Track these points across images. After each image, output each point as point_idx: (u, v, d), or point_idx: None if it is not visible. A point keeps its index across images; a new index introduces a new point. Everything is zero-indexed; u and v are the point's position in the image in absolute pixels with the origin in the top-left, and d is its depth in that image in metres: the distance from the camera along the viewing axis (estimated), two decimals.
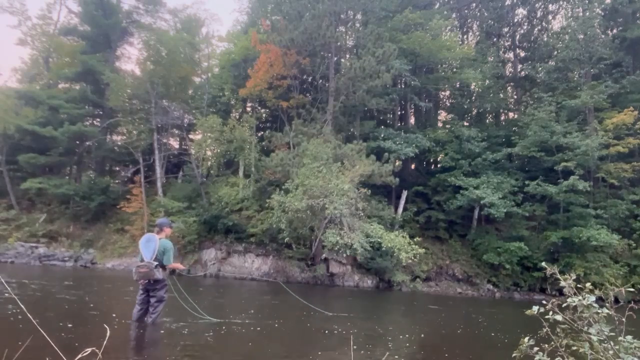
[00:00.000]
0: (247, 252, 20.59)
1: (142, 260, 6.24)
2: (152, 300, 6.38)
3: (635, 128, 20.66)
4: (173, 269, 6.70)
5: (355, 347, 6.07)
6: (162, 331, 6.25)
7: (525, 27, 30.78)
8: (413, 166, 27.20)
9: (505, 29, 30.98)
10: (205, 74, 28.77)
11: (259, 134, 25.63)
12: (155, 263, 6.22)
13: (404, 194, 22.82)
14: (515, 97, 30.21)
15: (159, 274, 6.22)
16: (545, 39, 28.76)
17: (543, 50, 27.75)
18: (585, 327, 2.48)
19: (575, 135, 20.44)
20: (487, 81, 26.83)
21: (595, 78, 23.39)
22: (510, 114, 30.46)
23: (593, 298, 2.46)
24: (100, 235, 23.20)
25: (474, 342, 7.42)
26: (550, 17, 30.27)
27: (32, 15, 40.75)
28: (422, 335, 8.04)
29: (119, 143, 29.09)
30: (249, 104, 29.05)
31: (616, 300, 2.48)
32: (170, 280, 6.82)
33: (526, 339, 2.67)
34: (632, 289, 2.51)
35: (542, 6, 29.92)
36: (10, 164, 25.55)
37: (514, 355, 2.75)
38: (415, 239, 16.60)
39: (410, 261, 16.78)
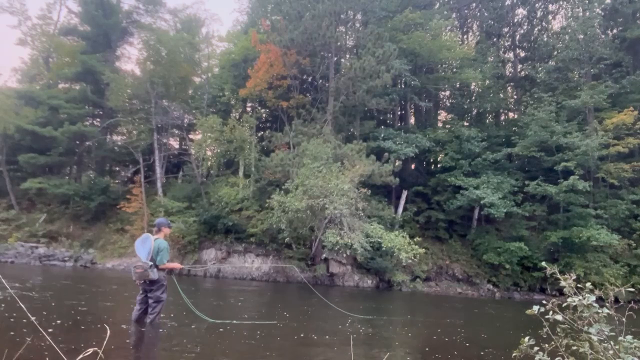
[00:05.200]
0: (247, 252, 20.60)
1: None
2: (150, 301, 6.39)
3: (635, 128, 20.65)
4: (170, 269, 6.68)
5: (355, 347, 6.07)
6: (161, 331, 6.26)
7: (525, 27, 30.76)
8: (413, 166, 27.19)
9: (505, 29, 30.97)
10: (205, 74, 28.77)
11: (259, 134, 25.63)
12: (150, 263, 6.23)
13: (404, 194, 22.82)
14: (515, 97, 30.18)
15: (154, 275, 6.23)
16: (545, 39, 28.75)
17: (543, 50, 27.74)
18: (585, 327, 2.48)
19: (575, 135, 20.43)
20: (487, 81, 26.83)
21: (595, 78, 23.38)
22: (510, 114, 30.46)
23: (593, 298, 2.46)
24: (100, 235, 23.20)
25: (473, 342, 7.42)
26: (550, 17, 30.27)
27: (32, 15, 40.94)
28: (422, 335, 8.04)
29: (119, 143, 29.11)
30: (249, 104, 29.06)
31: (616, 300, 2.48)
32: (169, 281, 6.81)
33: (526, 339, 2.67)
34: (632, 289, 2.52)
35: (542, 6, 29.91)
36: (10, 164, 25.58)
37: (514, 355, 2.75)
38: (415, 239, 16.60)
39: (410, 261, 16.78)
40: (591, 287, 2.56)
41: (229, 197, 21.26)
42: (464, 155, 22.87)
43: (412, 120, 29.56)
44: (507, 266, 20.07)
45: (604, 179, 21.23)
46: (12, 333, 5.30)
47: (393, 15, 24.67)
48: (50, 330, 5.48)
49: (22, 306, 2.80)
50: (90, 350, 2.15)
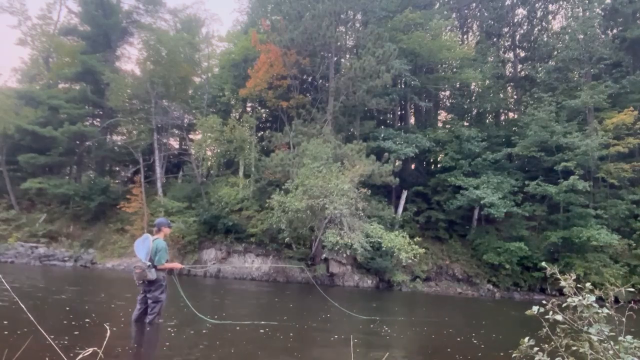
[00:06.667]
0: (247, 252, 20.60)
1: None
2: (149, 301, 6.41)
3: (635, 128, 20.64)
4: (170, 269, 6.69)
5: (355, 347, 6.07)
6: (161, 331, 6.26)
7: (525, 27, 30.75)
8: (413, 166, 27.19)
9: (505, 29, 30.96)
10: (205, 74, 28.77)
11: (259, 134, 25.62)
12: (149, 264, 6.24)
13: (404, 194, 22.82)
14: (515, 97, 30.18)
15: (152, 275, 6.24)
16: (545, 39, 28.74)
17: (543, 50, 27.73)
18: (585, 327, 2.48)
19: (575, 135, 20.43)
20: (487, 81, 26.81)
21: (595, 78, 23.36)
22: (510, 114, 30.45)
23: (593, 298, 2.46)
24: (100, 235, 23.20)
25: (473, 342, 7.42)
26: (550, 17, 30.26)
27: (32, 15, 40.88)
28: (422, 336, 8.04)
29: (119, 143, 29.10)
30: (249, 104, 29.05)
31: (616, 300, 2.48)
32: (170, 281, 6.81)
33: (526, 339, 2.67)
34: (632, 289, 2.51)
35: (542, 6, 29.91)
36: (10, 164, 25.57)
37: (514, 355, 2.75)
38: (415, 239, 16.60)
39: (410, 261, 16.78)
40: (591, 287, 2.56)
41: (229, 197, 21.27)
42: (464, 155, 22.86)
43: (412, 120, 29.55)
44: (507, 266, 20.06)
45: (604, 179, 21.21)
46: (12, 333, 5.30)
47: (393, 15, 24.66)
48: (50, 330, 5.48)
49: (22, 306, 2.80)
50: (90, 350, 2.15)
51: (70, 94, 27.18)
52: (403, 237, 16.43)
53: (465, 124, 27.10)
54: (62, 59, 29.43)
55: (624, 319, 2.43)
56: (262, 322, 7.57)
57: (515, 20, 30.70)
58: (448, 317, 11.69)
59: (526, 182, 21.02)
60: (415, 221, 22.69)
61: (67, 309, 7.73)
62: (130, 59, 38.29)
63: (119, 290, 12.22)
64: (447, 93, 29.97)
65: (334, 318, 9.06)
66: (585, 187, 19.27)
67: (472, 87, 28.56)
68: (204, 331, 6.46)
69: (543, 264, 3.27)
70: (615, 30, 26.22)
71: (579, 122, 21.92)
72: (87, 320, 6.61)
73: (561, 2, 29.41)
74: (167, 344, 5.63)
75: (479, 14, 31.89)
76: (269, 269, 19.79)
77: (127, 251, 21.20)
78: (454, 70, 26.96)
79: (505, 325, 10.72)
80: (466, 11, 32.43)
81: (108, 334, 2.78)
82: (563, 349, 2.61)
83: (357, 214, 16.50)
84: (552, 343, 2.66)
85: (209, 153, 26.26)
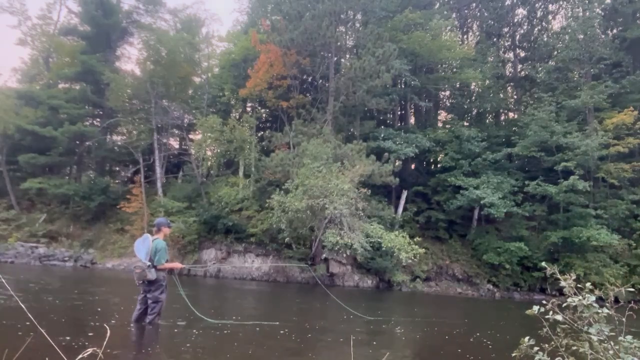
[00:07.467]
0: (247, 252, 20.60)
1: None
2: (149, 301, 6.41)
3: (635, 128, 20.65)
4: (170, 269, 6.69)
5: (355, 347, 6.07)
6: (160, 331, 6.26)
7: (525, 27, 30.77)
8: (413, 166, 27.19)
9: (505, 29, 30.97)
10: (205, 74, 28.76)
11: (259, 134, 25.62)
12: (149, 264, 6.24)
13: (404, 194, 22.81)
14: (515, 97, 30.20)
15: (152, 275, 6.24)
16: (545, 39, 28.74)
17: (543, 50, 27.74)
18: (585, 327, 2.48)
19: (575, 135, 20.43)
20: (487, 81, 26.81)
21: (595, 78, 23.37)
22: (510, 114, 30.45)
23: (593, 298, 2.46)
24: (100, 235, 23.20)
25: (473, 342, 7.42)
26: (550, 17, 30.28)
27: (32, 15, 40.76)
28: (422, 335, 8.04)
29: (119, 143, 29.09)
30: (249, 104, 29.05)
31: (616, 300, 2.48)
32: (170, 281, 6.80)
33: (526, 339, 2.67)
34: (632, 289, 2.51)
35: (542, 6, 29.92)
36: (10, 164, 25.56)
37: (514, 355, 2.75)
38: (415, 239, 16.59)
39: (410, 261, 16.77)
40: (591, 287, 2.56)
41: (229, 197, 21.27)
42: (464, 155, 22.86)
43: (412, 120, 29.55)
44: (507, 266, 20.06)
45: (604, 179, 21.21)
46: (12, 333, 5.30)
47: (393, 15, 24.66)
48: (50, 330, 5.48)
49: (22, 306, 2.80)
50: (90, 350, 2.14)
51: (70, 94, 27.17)
52: (403, 237, 16.43)
53: (465, 124, 27.10)
54: (62, 59, 29.41)
55: (624, 319, 2.43)
56: (262, 322, 7.56)
57: (515, 20, 30.70)
58: (453, 318, 11.68)
59: (526, 182, 21.02)
60: (415, 221, 22.69)
61: (67, 308, 7.73)
62: (130, 59, 38.28)
63: (119, 290, 12.21)
64: (447, 93, 29.97)
65: (334, 317, 9.05)
66: (585, 187, 19.27)
67: (472, 87, 28.57)
68: (204, 331, 6.45)
69: (543, 264, 3.27)
70: (615, 30, 26.22)
71: (579, 122, 21.92)
72: (87, 320, 6.61)
73: (561, 2, 29.42)
74: (167, 344, 5.63)
75: (479, 14, 31.90)
76: (269, 268, 19.78)
77: (127, 251, 21.20)
78: (454, 70, 26.95)
79: (512, 326, 10.70)
80: (466, 11, 32.43)
81: (108, 334, 2.78)
82: (563, 349, 2.61)
83: (357, 214, 16.50)
84: (552, 343, 2.66)
85: (209, 153, 26.27)
